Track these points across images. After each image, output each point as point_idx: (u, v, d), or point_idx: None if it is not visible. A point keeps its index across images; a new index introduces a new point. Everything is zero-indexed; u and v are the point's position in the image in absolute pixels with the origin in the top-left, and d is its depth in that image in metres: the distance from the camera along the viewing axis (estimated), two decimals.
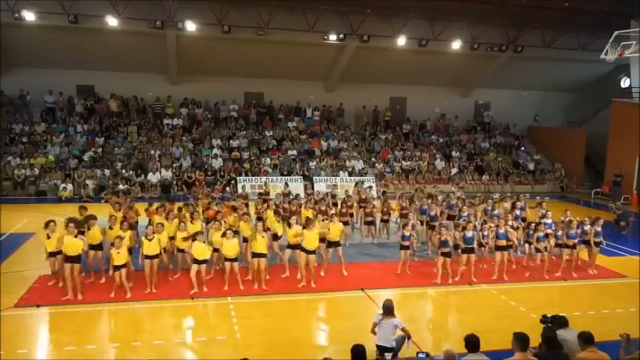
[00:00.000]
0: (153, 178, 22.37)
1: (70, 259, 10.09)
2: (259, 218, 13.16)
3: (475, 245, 12.20)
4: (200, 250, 10.73)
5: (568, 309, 9.70)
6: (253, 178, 23.17)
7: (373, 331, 7.75)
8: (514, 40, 26.37)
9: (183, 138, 25.17)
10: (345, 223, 14.10)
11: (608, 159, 25.96)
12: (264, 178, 22.96)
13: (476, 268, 12.29)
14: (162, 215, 12.23)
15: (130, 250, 11.03)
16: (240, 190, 17.14)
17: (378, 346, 7.65)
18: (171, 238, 11.70)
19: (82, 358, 8.11)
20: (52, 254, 10.58)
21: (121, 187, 21.07)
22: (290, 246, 11.84)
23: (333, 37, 24.08)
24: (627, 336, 6.63)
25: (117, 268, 10.36)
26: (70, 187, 21.04)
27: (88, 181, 21.31)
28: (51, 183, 21.43)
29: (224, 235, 11.00)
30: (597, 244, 13.03)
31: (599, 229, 13.01)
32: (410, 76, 28.23)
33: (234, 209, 13.22)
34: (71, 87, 25.67)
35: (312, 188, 22.26)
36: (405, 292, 11.52)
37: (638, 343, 6.95)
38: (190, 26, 22.31)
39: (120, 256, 10.34)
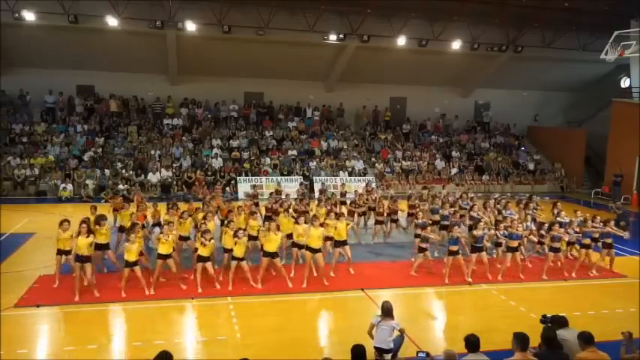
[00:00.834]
0: (153, 178, 22.37)
1: (80, 258, 10.15)
2: (269, 217, 13.28)
3: (490, 244, 12.28)
4: (206, 248, 10.81)
5: (568, 309, 9.70)
6: (253, 178, 23.18)
7: (370, 333, 7.74)
8: (514, 40, 26.38)
9: (183, 138, 25.17)
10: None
11: (608, 159, 25.96)
12: (263, 179, 23.02)
13: (490, 267, 12.41)
14: (175, 215, 12.37)
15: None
16: (250, 190, 17.15)
17: (376, 347, 7.65)
18: (184, 238, 11.86)
19: (82, 358, 8.11)
20: (60, 252, 10.71)
21: (120, 187, 21.08)
22: (295, 245, 11.90)
23: (333, 37, 24.08)
24: (630, 334, 6.63)
25: (130, 264, 10.43)
26: (70, 187, 21.03)
27: (88, 181, 21.31)
28: (51, 183, 21.43)
29: (235, 235, 11.06)
30: (609, 244, 13.07)
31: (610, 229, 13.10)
32: (410, 76, 28.23)
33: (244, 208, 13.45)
34: (71, 87, 25.67)
35: (311, 188, 22.33)
36: (405, 292, 11.52)
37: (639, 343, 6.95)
38: (190, 26, 22.31)
39: (130, 253, 10.40)
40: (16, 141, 23.09)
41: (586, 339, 6.13)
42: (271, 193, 16.57)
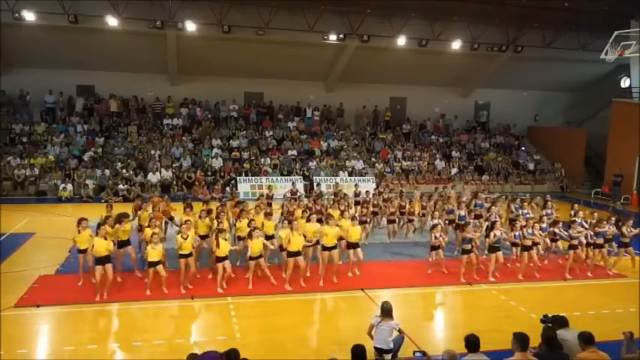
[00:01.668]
0: (153, 178, 22.37)
1: (100, 260, 10.17)
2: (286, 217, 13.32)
3: (507, 244, 12.42)
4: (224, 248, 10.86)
5: (568, 309, 9.69)
6: (253, 178, 23.18)
7: (370, 334, 7.74)
8: (514, 40, 26.37)
9: (183, 138, 25.17)
10: (363, 222, 14.28)
11: (608, 159, 25.96)
12: (263, 179, 23.04)
13: (504, 266, 12.51)
14: (190, 214, 12.47)
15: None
16: (266, 190, 17.22)
17: (376, 348, 7.65)
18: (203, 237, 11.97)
19: (82, 358, 8.11)
20: (82, 251, 10.83)
21: (120, 187, 21.09)
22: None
23: (333, 37, 24.08)
24: (631, 334, 6.63)
25: (152, 264, 10.45)
26: (70, 187, 21.03)
27: (88, 181, 21.31)
28: (51, 183, 21.43)
29: (250, 235, 11.12)
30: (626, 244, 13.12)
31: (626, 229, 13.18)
32: (410, 76, 28.23)
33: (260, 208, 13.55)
34: (71, 87, 25.68)
35: (311, 188, 22.34)
36: (405, 292, 11.51)
37: None
38: (190, 26, 22.31)
39: (155, 252, 10.43)
40: (16, 141, 23.09)
41: (586, 339, 6.13)
42: (285, 194, 16.57)
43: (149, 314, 9.97)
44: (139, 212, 13.02)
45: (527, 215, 14.29)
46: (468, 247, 12.02)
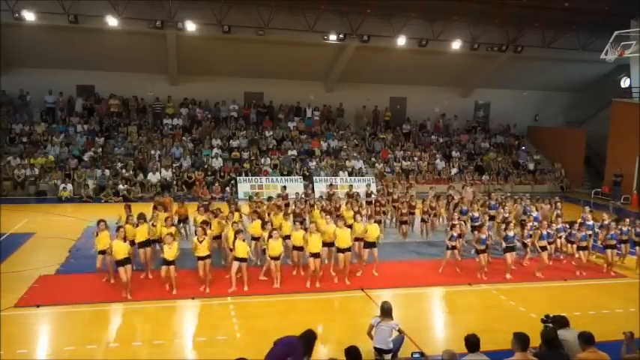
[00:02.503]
0: (153, 178, 22.36)
1: (121, 262, 10.28)
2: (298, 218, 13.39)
3: (519, 244, 12.63)
4: (241, 249, 10.91)
5: (568, 309, 9.69)
6: (253, 178, 23.18)
7: (369, 334, 7.74)
8: (514, 40, 26.37)
9: (183, 138, 25.16)
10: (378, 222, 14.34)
11: (608, 159, 25.96)
12: (263, 179, 23.03)
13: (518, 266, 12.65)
14: (204, 215, 12.56)
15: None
16: (280, 191, 17.19)
17: (376, 348, 7.65)
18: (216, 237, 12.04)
19: (82, 358, 8.11)
20: (101, 252, 10.98)
21: (120, 187, 21.08)
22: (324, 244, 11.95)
23: (333, 37, 24.07)
24: (631, 334, 6.63)
25: (167, 263, 10.53)
26: (70, 187, 21.02)
27: (88, 181, 21.31)
28: (51, 183, 21.42)
29: (270, 236, 11.17)
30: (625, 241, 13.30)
31: (624, 228, 13.34)
32: (410, 76, 28.22)
33: (279, 208, 13.80)
34: (71, 87, 25.66)
35: (313, 189, 22.29)
36: (405, 292, 11.52)
37: None
38: (190, 26, 22.30)
39: (170, 251, 10.50)
40: (16, 141, 23.08)
41: (586, 339, 6.13)
42: (297, 194, 16.58)
43: (149, 314, 9.97)
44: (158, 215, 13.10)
45: (538, 217, 14.42)
46: (483, 247, 12.13)
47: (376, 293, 11.10)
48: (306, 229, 11.97)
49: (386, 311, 7.75)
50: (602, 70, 29.48)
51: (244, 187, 22.32)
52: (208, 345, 8.73)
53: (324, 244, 11.76)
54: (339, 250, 11.58)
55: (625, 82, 29.28)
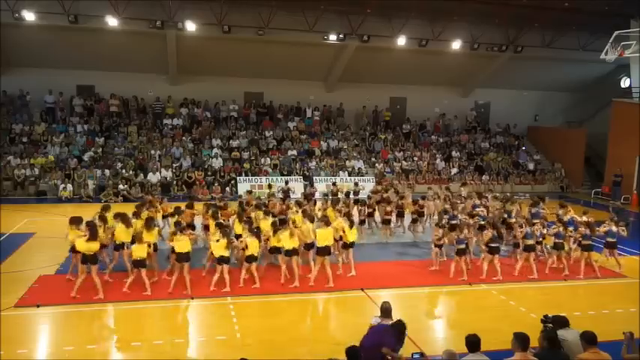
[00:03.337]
0: (153, 178, 22.37)
1: (138, 263, 10.44)
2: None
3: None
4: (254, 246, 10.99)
5: (568, 309, 9.69)
6: (253, 178, 23.18)
7: None
8: (514, 40, 26.38)
9: (183, 138, 25.17)
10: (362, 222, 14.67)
11: (608, 159, 25.96)
12: (263, 179, 23.00)
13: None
14: (226, 215, 12.69)
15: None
16: (307, 189, 17.25)
17: None
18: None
19: (82, 358, 8.11)
20: (117, 247, 11.35)
21: (121, 187, 21.09)
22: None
23: (333, 37, 24.08)
24: (631, 334, 6.63)
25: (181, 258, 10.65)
26: (70, 187, 21.04)
27: (88, 181, 21.31)
28: (51, 183, 21.43)
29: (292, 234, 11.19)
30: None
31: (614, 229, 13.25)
32: (410, 76, 28.22)
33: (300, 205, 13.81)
34: (71, 87, 25.65)
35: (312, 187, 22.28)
36: (405, 292, 11.52)
37: None
38: (190, 26, 22.30)
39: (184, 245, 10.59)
40: (16, 141, 23.09)
41: (589, 339, 6.12)
42: (302, 193, 16.60)
43: (149, 314, 9.97)
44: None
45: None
46: (462, 247, 12.00)
47: (376, 293, 11.10)
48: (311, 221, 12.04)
49: (386, 311, 7.75)
50: (602, 70, 29.48)
51: (244, 187, 22.29)
52: (208, 345, 8.73)
53: (306, 246, 11.73)
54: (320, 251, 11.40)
55: (625, 82, 29.28)
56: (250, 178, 23.18)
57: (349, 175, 24.59)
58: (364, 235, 15.55)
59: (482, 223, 13.62)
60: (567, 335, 6.69)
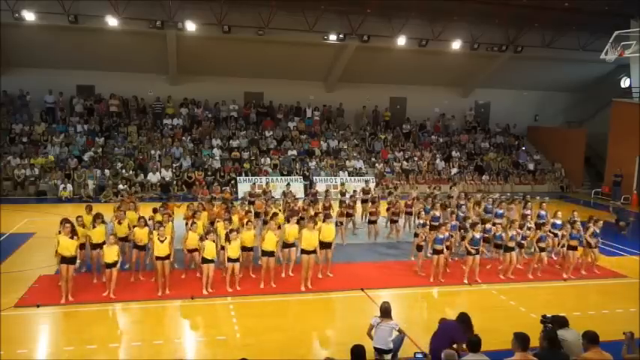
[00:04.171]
0: (153, 178, 22.38)
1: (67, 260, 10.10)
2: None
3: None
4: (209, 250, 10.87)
5: (568, 309, 9.70)
6: (253, 178, 23.18)
7: (369, 334, 7.74)
8: (514, 40, 26.38)
9: (183, 138, 25.17)
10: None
11: (608, 159, 25.96)
12: (263, 179, 22.98)
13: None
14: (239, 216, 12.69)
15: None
16: (285, 189, 17.18)
17: (375, 348, 7.66)
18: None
19: (82, 358, 8.12)
20: (121, 239, 11.42)
21: (120, 187, 21.08)
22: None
23: (333, 37, 24.07)
24: (631, 334, 6.63)
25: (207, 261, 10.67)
26: (70, 187, 21.03)
27: (88, 181, 21.31)
28: (51, 183, 21.42)
29: (228, 238, 11.04)
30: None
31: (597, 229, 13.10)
32: (410, 76, 28.23)
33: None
34: (71, 87, 25.65)
35: (312, 188, 22.28)
36: (405, 292, 11.52)
37: None
38: (190, 26, 22.30)
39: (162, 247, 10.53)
40: (16, 141, 23.08)
41: (591, 339, 6.12)
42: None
43: (149, 314, 9.97)
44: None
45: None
46: (440, 247, 11.82)
47: (376, 293, 11.11)
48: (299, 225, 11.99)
49: (385, 311, 7.76)
50: (602, 70, 29.48)
51: (244, 187, 22.28)
52: (208, 345, 8.73)
53: (285, 246, 11.65)
54: (304, 252, 11.25)
55: (625, 82, 29.28)
56: (250, 178, 23.17)
57: (349, 175, 24.60)
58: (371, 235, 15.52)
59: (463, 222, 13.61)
60: (567, 335, 6.70)
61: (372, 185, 19.10)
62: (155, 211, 12.94)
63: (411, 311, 10.53)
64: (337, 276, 12.09)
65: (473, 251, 11.91)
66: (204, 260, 10.65)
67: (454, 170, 26.79)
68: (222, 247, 11.23)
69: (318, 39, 24.07)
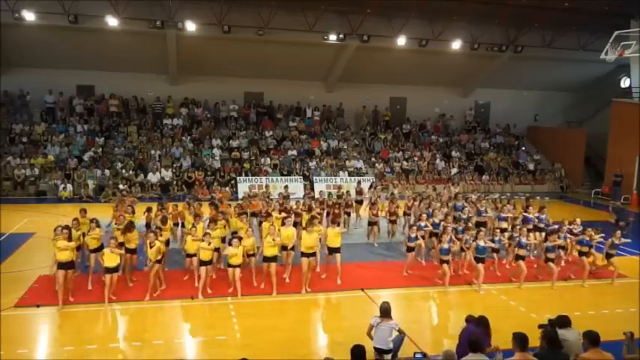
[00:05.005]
0: (153, 178, 22.38)
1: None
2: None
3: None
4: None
5: (568, 309, 9.65)
6: (253, 178, 23.18)
7: (369, 334, 7.74)
8: (514, 40, 26.38)
9: (183, 138, 25.17)
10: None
11: (608, 159, 25.96)
12: (263, 179, 22.99)
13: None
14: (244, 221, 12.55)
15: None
16: (283, 190, 17.15)
17: (375, 348, 7.66)
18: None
19: (82, 358, 8.11)
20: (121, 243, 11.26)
21: (120, 187, 21.08)
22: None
23: (333, 37, 24.08)
24: (631, 334, 6.63)
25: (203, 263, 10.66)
26: (69, 187, 21.03)
27: (88, 181, 21.31)
28: (51, 183, 21.42)
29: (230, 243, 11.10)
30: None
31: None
32: (410, 76, 28.23)
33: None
34: (71, 87, 25.65)
35: (312, 189, 22.30)
36: (405, 292, 11.52)
37: None
38: (190, 26, 22.30)
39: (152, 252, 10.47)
40: (16, 141, 23.08)
41: (592, 339, 6.12)
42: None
43: (149, 314, 9.97)
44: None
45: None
46: (447, 257, 11.67)
47: (376, 293, 11.11)
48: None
49: (385, 311, 7.76)
50: (602, 70, 29.48)
51: (244, 187, 22.30)
52: (208, 345, 8.73)
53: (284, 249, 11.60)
54: (304, 255, 11.15)
55: (625, 82, 29.28)
56: (250, 178, 23.17)
57: (349, 175, 24.60)
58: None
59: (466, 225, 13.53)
60: (568, 335, 6.70)
61: (364, 185, 18.97)
62: (149, 210, 12.86)
63: (410, 311, 10.53)
64: (337, 276, 12.07)
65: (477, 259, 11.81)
66: (201, 263, 10.65)
67: (454, 170, 26.79)
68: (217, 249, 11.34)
69: (318, 39, 24.07)
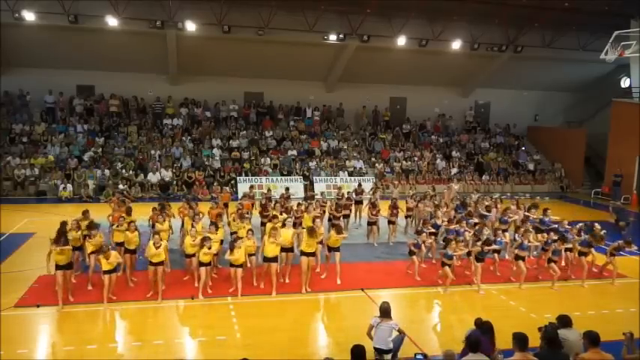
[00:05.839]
0: (153, 178, 22.37)
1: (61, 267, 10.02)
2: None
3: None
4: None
5: (568, 309, 9.64)
6: (253, 178, 23.18)
7: (369, 334, 7.74)
8: (514, 40, 26.38)
9: (183, 138, 25.17)
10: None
11: (608, 159, 25.96)
12: (263, 179, 22.98)
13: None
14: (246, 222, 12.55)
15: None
16: (284, 192, 17.13)
17: (375, 348, 7.66)
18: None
19: (82, 358, 8.11)
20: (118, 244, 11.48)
21: (120, 187, 21.08)
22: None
23: (333, 37, 24.08)
24: (631, 334, 6.63)
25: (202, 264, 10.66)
26: (70, 187, 21.03)
27: (88, 181, 21.31)
28: (51, 183, 21.42)
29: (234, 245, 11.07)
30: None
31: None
32: (410, 76, 28.23)
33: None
34: (71, 87, 25.64)
35: (312, 189, 22.31)
36: (405, 292, 11.52)
37: None
38: (190, 26, 22.30)
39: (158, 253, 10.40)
40: (16, 141, 23.08)
41: (592, 339, 6.12)
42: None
43: (149, 314, 9.97)
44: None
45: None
46: (450, 262, 11.62)
47: (376, 293, 11.11)
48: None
49: (385, 311, 7.76)
50: (602, 70, 29.48)
51: (244, 187, 22.29)
52: (208, 345, 8.73)
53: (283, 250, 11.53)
54: (303, 254, 11.17)
55: (625, 82, 29.28)
56: (250, 178, 23.17)
57: (349, 175, 24.60)
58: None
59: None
60: (569, 335, 6.70)
61: (365, 185, 18.98)
62: (154, 210, 12.92)
63: (410, 311, 10.53)
64: (337, 276, 12.07)
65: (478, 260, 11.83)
66: (201, 264, 10.64)
67: (454, 170, 26.79)
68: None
69: (318, 39, 24.07)
